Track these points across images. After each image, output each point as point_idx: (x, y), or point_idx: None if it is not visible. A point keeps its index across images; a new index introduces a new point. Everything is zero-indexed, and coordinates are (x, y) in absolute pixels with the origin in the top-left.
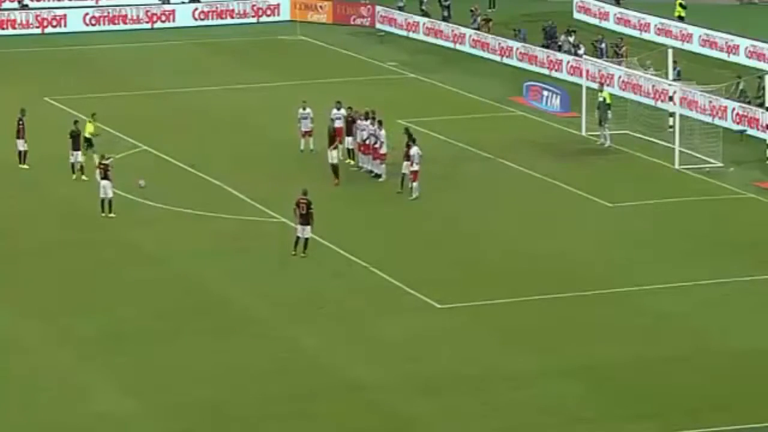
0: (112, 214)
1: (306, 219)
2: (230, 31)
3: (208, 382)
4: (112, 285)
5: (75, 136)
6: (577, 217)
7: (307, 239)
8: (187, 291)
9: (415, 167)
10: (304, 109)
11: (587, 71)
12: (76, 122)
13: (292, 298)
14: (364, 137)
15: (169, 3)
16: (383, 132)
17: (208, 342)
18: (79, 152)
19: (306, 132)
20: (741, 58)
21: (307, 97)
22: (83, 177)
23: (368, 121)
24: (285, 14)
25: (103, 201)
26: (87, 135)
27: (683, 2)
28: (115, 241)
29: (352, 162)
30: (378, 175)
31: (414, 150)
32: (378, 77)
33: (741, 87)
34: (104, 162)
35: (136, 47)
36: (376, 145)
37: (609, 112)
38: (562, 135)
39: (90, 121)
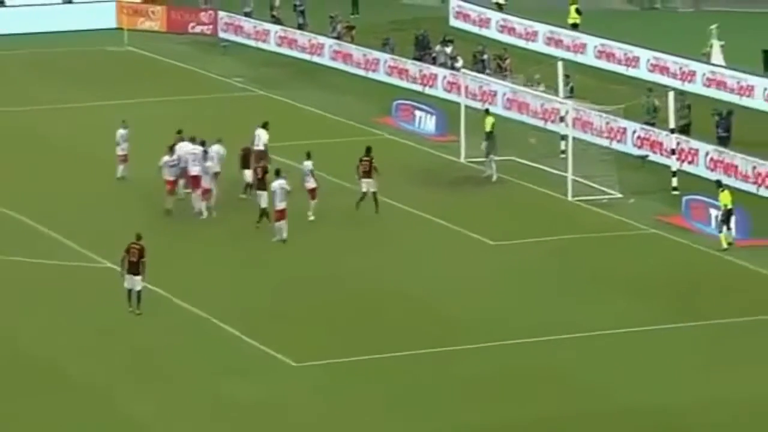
0: None
1: (137, 268)
2: (44, 40)
3: None
4: None
5: None
6: (453, 257)
7: (139, 292)
8: None
9: (280, 205)
10: (124, 129)
11: (466, 87)
12: None
13: (121, 358)
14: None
15: None
16: (210, 161)
17: (15, 407)
18: None
19: (123, 156)
20: (642, 72)
21: (137, 118)
22: None
23: (193, 146)
24: (110, 21)
25: None
26: None
27: (579, 7)
28: None
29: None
30: (199, 213)
31: (277, 184)
32: (221, 95)
33: (656, 104)
34: None
35: None
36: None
37: (484, 143)
38: (437, 162)
39: None
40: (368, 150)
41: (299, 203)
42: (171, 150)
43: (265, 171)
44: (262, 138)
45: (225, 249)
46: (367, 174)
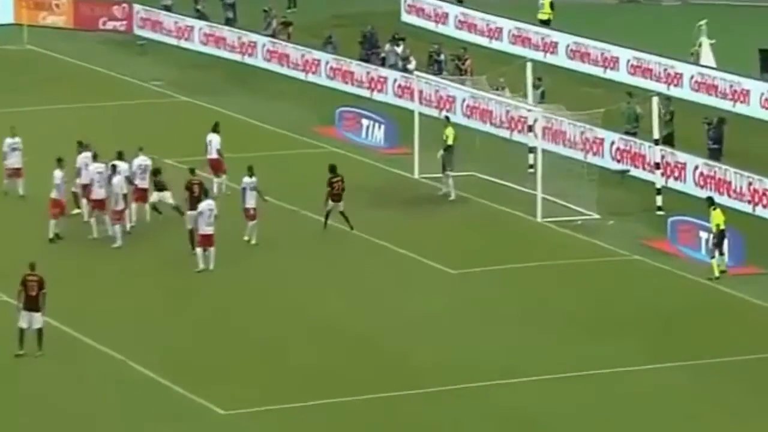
0: None
1: (36, 303)
2: None
3: None
4: None
5: None
6: (408, 288)
7: (40, 330)
8: None
9: (207, 230)
10: (12, 137)
11: (420, 92)
12: None
13: (20, 414)
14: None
15: None
16: (118, 178)
17: None
18: None
19: (14, 170)
20: (621, 74)
21: (36, 128)
22: None
23: (97, 164)
24: (7, 15)
25: None
26: None
27: (554, 0)
28: None
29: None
30: (113, 239)
31: (205, 205)
32: (136, 101)
33: (638, 111)
34: None
35: None
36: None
37: (441, 151)
38: (388, 178)
39: None
40: (334, 169)
41: (228, 225)
42: (60, 164)
43: (201, 188)
44: (214, 144)
45: (143, 280)
46: (339, 197)
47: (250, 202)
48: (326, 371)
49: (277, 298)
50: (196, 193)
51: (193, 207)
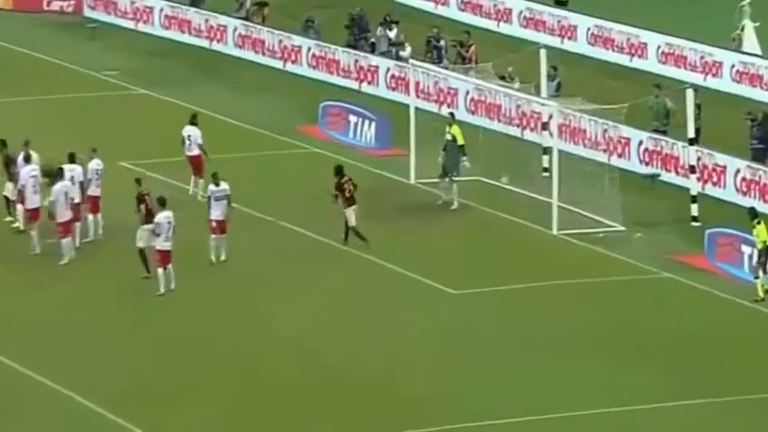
0: None
1: None
2: None
3: None
4: None
5: None
6: (402, 311)
7: None
8: None
9: (166, 245)
10: None
11: (417, 84)
12: None
13: None
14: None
15: None
16: (61, 184)
17: None
18: None
19: None
20: (650, 63)
21: None
22: None
23: (32, 167)
24: None
25: None
26: None
27: None
28: None
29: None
30: (59, 257)
31: (163, 217)
32: (87, 94)
33: (668, 105)
34: None
35: None
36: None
37: (464, 158)
38: (379, 184)
39: None
40: (340, 170)
41: (190, 239)
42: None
43: (154, 199)
44: (194, 138)
45: (93, 303)
46: (352, 200)
47: (216, 213)
48: (307, 409)
49: (250, 325)
50: (149, 205)
51: (148, 221)
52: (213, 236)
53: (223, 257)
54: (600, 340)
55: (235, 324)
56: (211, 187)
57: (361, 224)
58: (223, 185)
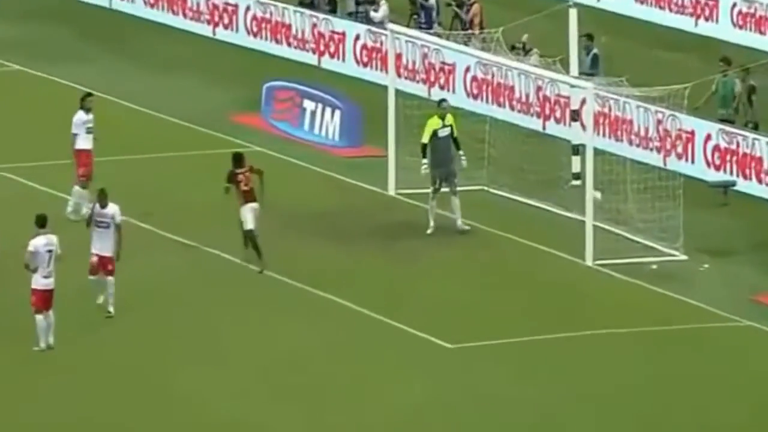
0: None
1: None
2: None
3: None
4: None
5: None
6: (387, 371)
7: None
8: None
9: (46, 283)
10: None
11: (398, 57)
12: None
13: None
14: None
15: None
16: None
17: None
18: None
19: None
20: (721, 28)
21: None
22: None
23: None
24: None
25: None
26: None
27: None
28: None
29: None
30: None
31: (41, 242)
32: None
33: (736, 87)
34: None
35: None
36: None
37: (463, 158)
38: (345, 196)
39: None
40: (240, 158)
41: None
42: None
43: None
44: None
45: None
46: (250, 195)
47: (98, 245)
48: None
49: (164, 397)
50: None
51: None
52: (91, 277)
53: (110, 310)
54: (652, 415)
55: (143, 402)
56: (97, 208)
57: (320, 252)
58: (111, 209)
